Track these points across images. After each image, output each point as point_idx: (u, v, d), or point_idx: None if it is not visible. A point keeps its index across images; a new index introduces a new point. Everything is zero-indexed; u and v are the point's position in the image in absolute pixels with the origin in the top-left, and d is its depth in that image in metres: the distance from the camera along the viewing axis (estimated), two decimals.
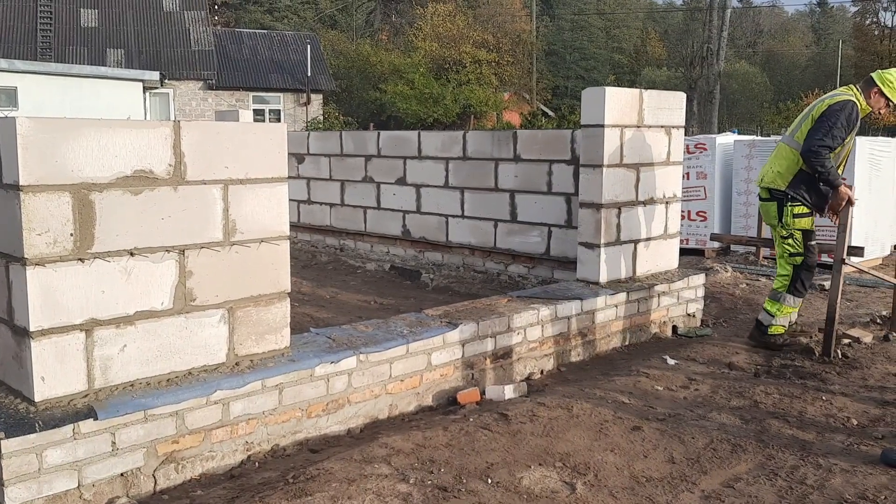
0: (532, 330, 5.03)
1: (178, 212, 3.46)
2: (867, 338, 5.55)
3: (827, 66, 55.16)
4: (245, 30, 37.78)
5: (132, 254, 3.32)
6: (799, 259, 5.35)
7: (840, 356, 5.14)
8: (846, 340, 5.48)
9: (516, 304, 5.15)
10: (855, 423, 4.00)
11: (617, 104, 5.75)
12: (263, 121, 29.78)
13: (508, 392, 4.48)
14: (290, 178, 9.40)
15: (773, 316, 5.46)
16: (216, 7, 49.75)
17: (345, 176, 8.95)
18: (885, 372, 4.85)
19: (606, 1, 67.16)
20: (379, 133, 8.63)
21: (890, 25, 55.10)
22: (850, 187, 5.15)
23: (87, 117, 3.36)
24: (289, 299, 3.91)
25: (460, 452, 3.53)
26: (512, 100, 41.14)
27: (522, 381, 4.87)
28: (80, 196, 3.16)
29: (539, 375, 5.02)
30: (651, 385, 4.59)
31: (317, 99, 32.16)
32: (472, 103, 34.92)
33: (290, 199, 9.53)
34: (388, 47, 44.19)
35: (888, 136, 18.15)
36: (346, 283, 7.86)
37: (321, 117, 31.69)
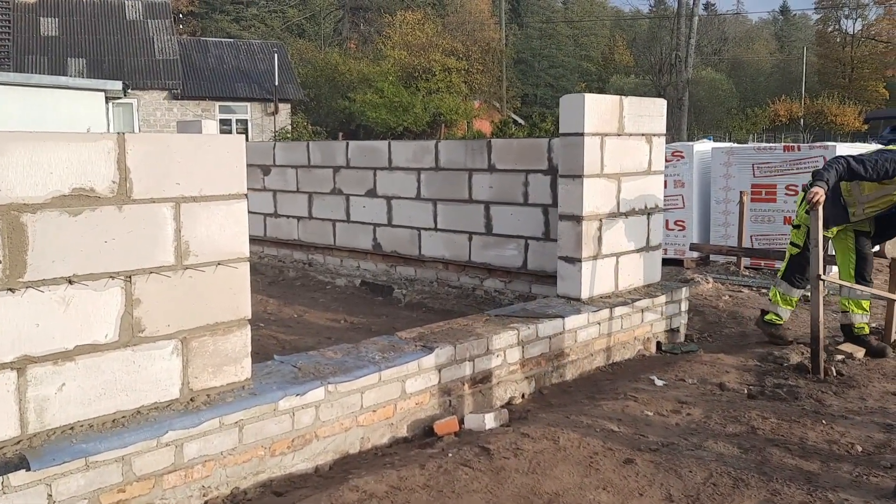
0: (512, 351, 4.73)
1: (123, 234, 3.12)
2: (860, 353, 5.33)
3: (791, 72, 55.77)
4: (211, 39, 37.25)
5: (71, 282, 2.97)
6: (795, 250, 5.61)
7: (835, 374, 4.91)
8: (839, 357, 5.25)
9: (495, 324, 4.85)
10: (860, 449, 3.74)
11: (597, 111, 5.50)
12: (230, 131, 29.28)
13: (489, 421, 4.17)
14: (255, 190, 9.11)
15: (770, 301, 5.80)
16: (181, 16, 49.10)
17: (313, 188, 8.61)
18: (884, 391, 4.62)
19: (574, 9, 67.42)
20: (348, 143, 8.30)
21: (851, 33, 55.86)
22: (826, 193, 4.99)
23: (19, 130, 3.01)
24: (249, 326, 3.58)
25: (439, 495, 3.21)
26: (482, 108, 40.93)
27: (503, 406, 4.57)
28: (9, 218, 2.81)
29: (520, 400, 4.73)
30: (640, 410, 4.30)
31: (284, 108, 31.71)
32: (443, 112, 34.63)
33: (256, 213, 9.17)
34: (357, 56, 43.85)
35: (858, 143, 18.19)
36: (314, 300, 7.51)
37: (289, 127, 31.26)
